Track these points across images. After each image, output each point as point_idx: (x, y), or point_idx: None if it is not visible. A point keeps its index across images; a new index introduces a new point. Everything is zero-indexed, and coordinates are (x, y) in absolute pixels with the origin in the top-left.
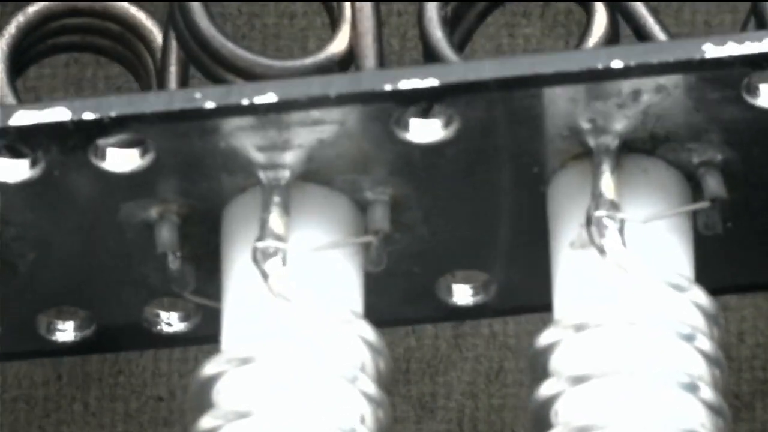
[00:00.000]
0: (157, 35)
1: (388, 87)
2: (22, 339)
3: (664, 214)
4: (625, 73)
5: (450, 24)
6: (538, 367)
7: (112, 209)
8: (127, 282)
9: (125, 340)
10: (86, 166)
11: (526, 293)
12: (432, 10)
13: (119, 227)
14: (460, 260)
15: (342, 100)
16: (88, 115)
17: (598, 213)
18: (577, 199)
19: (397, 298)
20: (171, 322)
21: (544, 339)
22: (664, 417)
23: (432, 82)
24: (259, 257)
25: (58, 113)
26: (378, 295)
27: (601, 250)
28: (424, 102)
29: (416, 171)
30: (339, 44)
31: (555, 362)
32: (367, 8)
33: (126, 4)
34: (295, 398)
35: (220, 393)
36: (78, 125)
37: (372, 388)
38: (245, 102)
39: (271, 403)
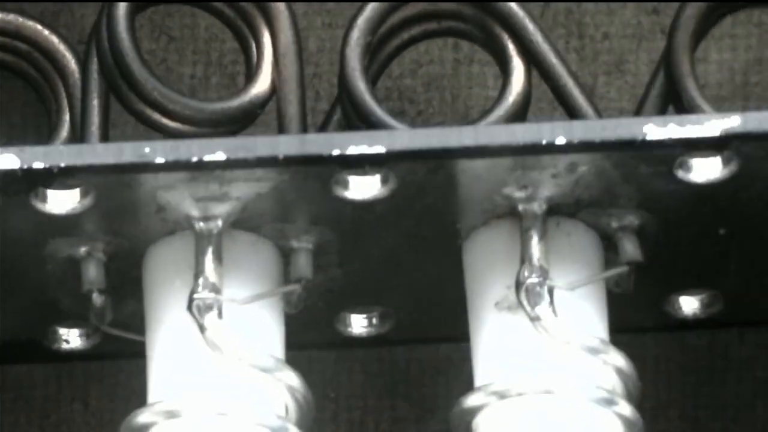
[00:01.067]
0: (70, 60)
1: (336, 152)
2: None
3: (588, 281)
4: (567, 149)
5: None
6: (460, 428)
7: (40, 244)
8: (37, 304)
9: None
10: (26, 207)
11: (429, 325)
12: (354, 60)
13: (42, 259)
14: (364, 296)
15: (289, 161)
16: (38, 164)
17: (531, 280)
18: (499, 258)
19: (296, 327)
20: (69, 339)
21: (467, 402)
22: None
23: (379, 149)
24: (195, 309)
25: (7, 161)
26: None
27: (535, 318)
28: (368, 167)
29: (344, 223)
30: (261, 85)
31: (477, 426)
32: (290, 53)
33: (39, 26)
34: None
35: None
36: (26, 173)
37: None
38: (194, 159)
39: None
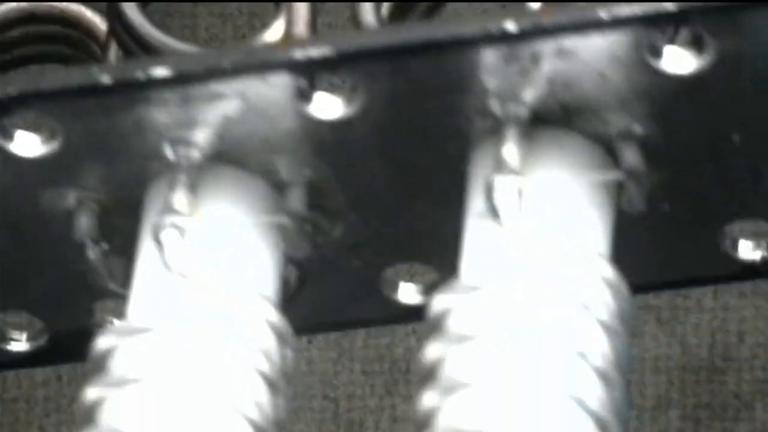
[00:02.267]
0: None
1: (282, 56)
2: None
3: (573, 180)
4: (520, 35)
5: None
6: (434, 323)
7: (30, 198)
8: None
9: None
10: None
11: None
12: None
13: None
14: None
15: (237, 70)
16: None
17: (498, 177)
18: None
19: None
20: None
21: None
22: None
23: (325, 51)
24: (155, 233)
25: None
26: (321, 294)
27: (495, 214)
28: (319, 72)
29: (329, 151)
30: (273, 34)
31: (450, 322)
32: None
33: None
34: (188, 369)
35: (112, 361)
36: None
37: (273, 374)
38: (141, 76)
39: (163, 372)
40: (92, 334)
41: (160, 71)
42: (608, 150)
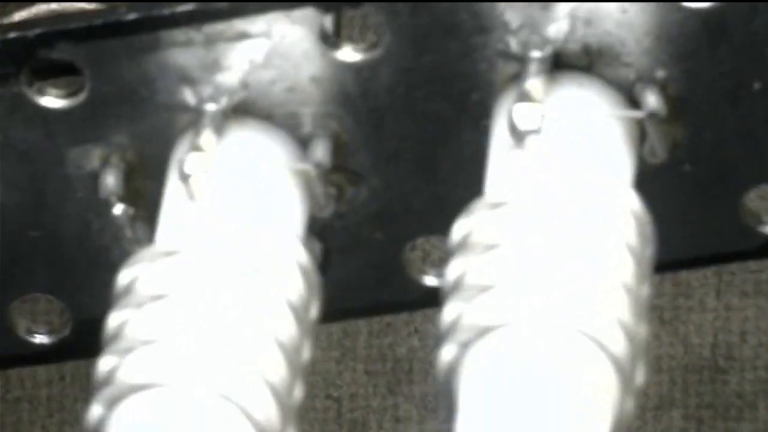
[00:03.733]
0: None
1: None
2: None
3: (596, 115)
4: None
5: None
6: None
7: (58, 156)
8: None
9: None
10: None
11: None
12: None
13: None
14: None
15: (263, 4)
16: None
17: (520, 104)
18: None
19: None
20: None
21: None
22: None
23: None
24: (181, 169)
25: None
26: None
27: (519, 139)
28: (345, 5)
29: (352, 99)
30: None
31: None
32: None
33: None
34: (216, 289)
35: (137, 284)
36: (4, 44)
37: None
38: (165, 12)
39: (189, 289)
40: None
41: (185, 6)
42: (630, 95)
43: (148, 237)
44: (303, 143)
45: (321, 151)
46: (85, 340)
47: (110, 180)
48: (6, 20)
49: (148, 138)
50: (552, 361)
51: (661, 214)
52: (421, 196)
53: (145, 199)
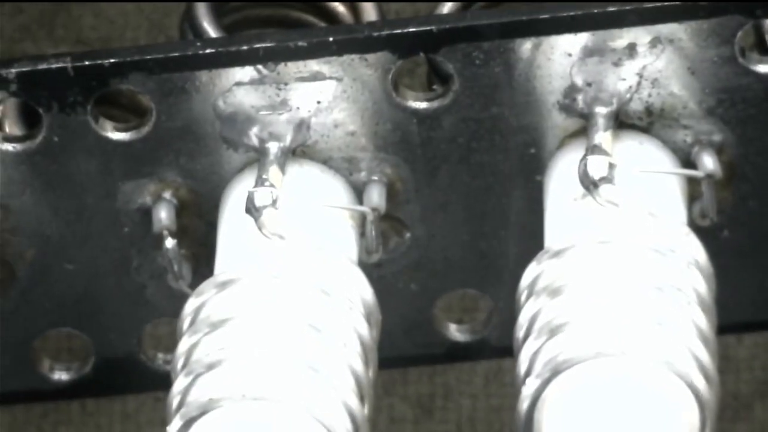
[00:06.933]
0: None
1: (387, 32)
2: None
3: (657, 170)
4: (621, 17)
5: None
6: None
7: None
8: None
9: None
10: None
11: None
12: None
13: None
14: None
15: (342, 45)
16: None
17: (590, 156)
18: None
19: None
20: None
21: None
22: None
23: (431, 27)
24: (251, 202)
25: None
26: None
27: (590, 185)
28: (422, 51)
29: (413, 146)
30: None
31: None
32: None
33: None
34: (283, 309)
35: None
36: (78, 71)
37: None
38: (244, 48)
39: (257, 312)
40: (136, 365)
41: (264, 43)
42: (685, 156)
43: (190, 274)
44: (357, 188)
45: (377, 196)
46: (105, 378)
47: (163, 214)
48: None
49: (202, 176)
50: (639, 393)
51: None
52: (462, 249)
53: (190, 238)
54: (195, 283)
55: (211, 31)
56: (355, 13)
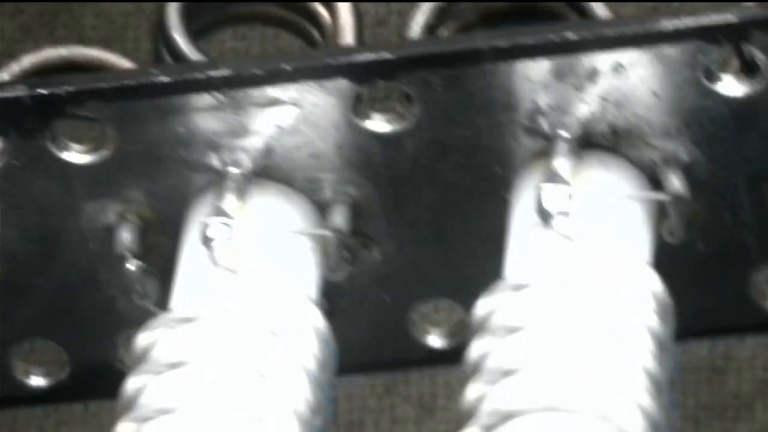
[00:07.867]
0: None
1: (343, 60)
2: None
3: (621, 196)
4: (581, 45)
5: None
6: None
7: (74, 209)
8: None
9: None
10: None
11: None
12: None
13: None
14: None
15: (298, 73)
16: (44, 91)
17: (549, 185)
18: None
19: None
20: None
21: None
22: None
23: (385, 55)
24: (203, 234)
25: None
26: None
27: (546, 217)
28: (379, 79)
29: (376, 168)
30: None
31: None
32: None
33: None
34: (233, 356)
35: (154, 350)
36: (34, 100)
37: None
38: (200, 76)
39: (207, 358)
40: (112, 371)
41: (220, 72)
42: (653, 175)
43: (157, 292)
44: (321, 207)
45: (339, 217)
46: (83, 383)
47: (125, 236)
48: (16, 66)
49: (166, 196)
50: None
51: (670, 287)
52: (432, 261)
53: (157, 255)
54: (164, 298)
55: (181, 41)
56: (332, 12)
